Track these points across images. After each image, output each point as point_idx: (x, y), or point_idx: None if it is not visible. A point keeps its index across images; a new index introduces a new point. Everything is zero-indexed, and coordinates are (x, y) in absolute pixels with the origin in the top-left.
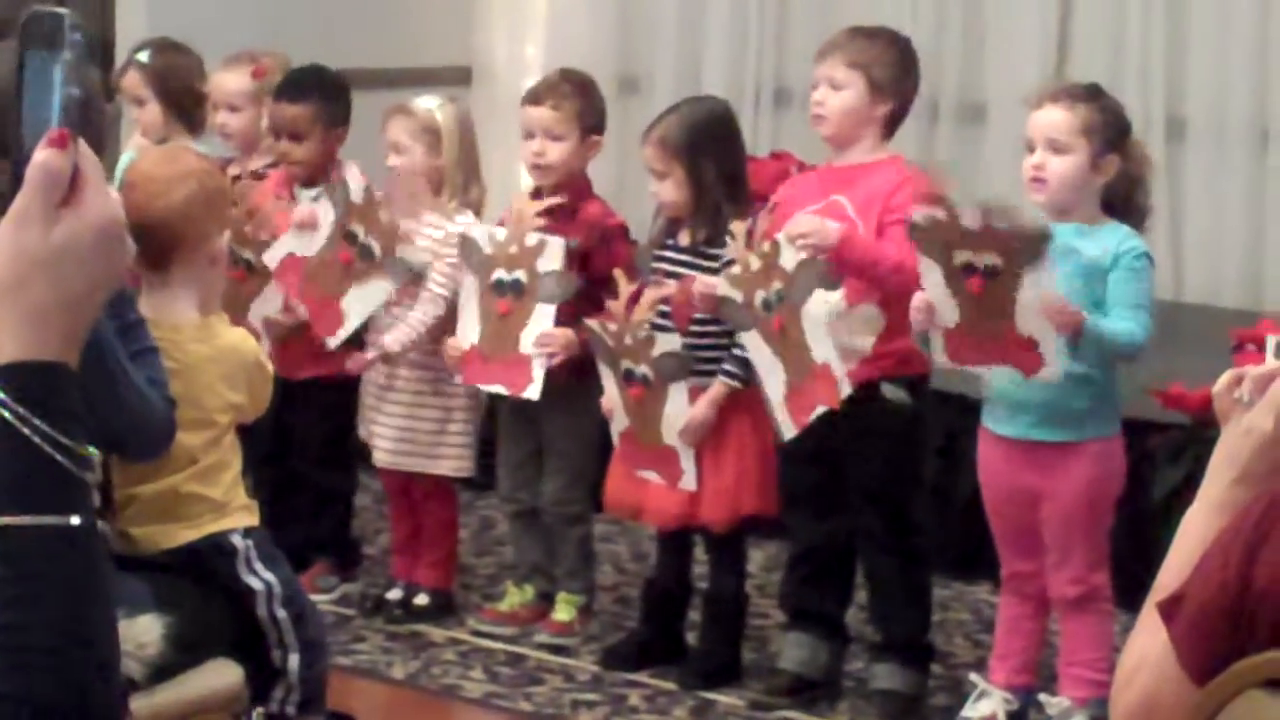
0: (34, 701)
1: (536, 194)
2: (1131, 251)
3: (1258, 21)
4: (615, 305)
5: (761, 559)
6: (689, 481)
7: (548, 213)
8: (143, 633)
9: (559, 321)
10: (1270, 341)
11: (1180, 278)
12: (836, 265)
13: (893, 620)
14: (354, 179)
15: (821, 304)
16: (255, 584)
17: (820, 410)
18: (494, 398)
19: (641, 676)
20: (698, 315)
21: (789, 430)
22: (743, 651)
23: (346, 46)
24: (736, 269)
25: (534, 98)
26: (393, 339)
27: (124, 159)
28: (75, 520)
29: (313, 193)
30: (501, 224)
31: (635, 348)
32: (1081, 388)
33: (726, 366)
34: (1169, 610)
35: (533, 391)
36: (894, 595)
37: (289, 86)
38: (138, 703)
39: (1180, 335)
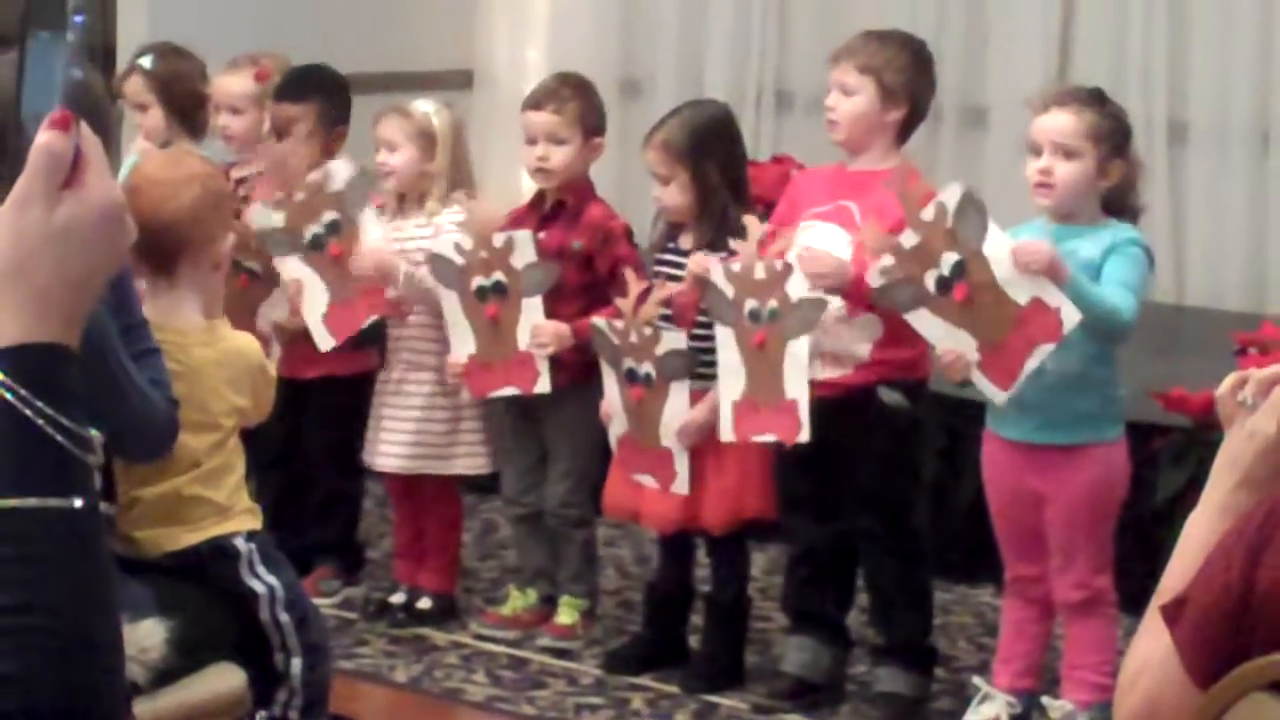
0: (36, 682)
1: (539, 200)
2: (1127, 240)
3: (1259, 24)
4: (624, 303)
5: (763, 562)
6: (681, 485)
7: (551, 216)
8: (145, 637)
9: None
10: None
11: (1182, 281)
12: (846, 300)
13: (894, 623)
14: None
15: (807, 348)
16: (258, 588)
17: (769, 439)
18: (496, 401)
19: (644, 680)
20: (700, 319)
21: (726, 434)
22: (745, 655)
23: (348, 50)
24: (738, 267)
25: (534, 103)
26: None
27: (126, 163)
28: (77, 503)
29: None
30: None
31: (640, 345)
32: (1085, 390)
33: None
34: (1172, 614)
35: (543, 385)
36: (895, 598)
37: (289, 86)
38: (140, 707)
39: (1182, 338)
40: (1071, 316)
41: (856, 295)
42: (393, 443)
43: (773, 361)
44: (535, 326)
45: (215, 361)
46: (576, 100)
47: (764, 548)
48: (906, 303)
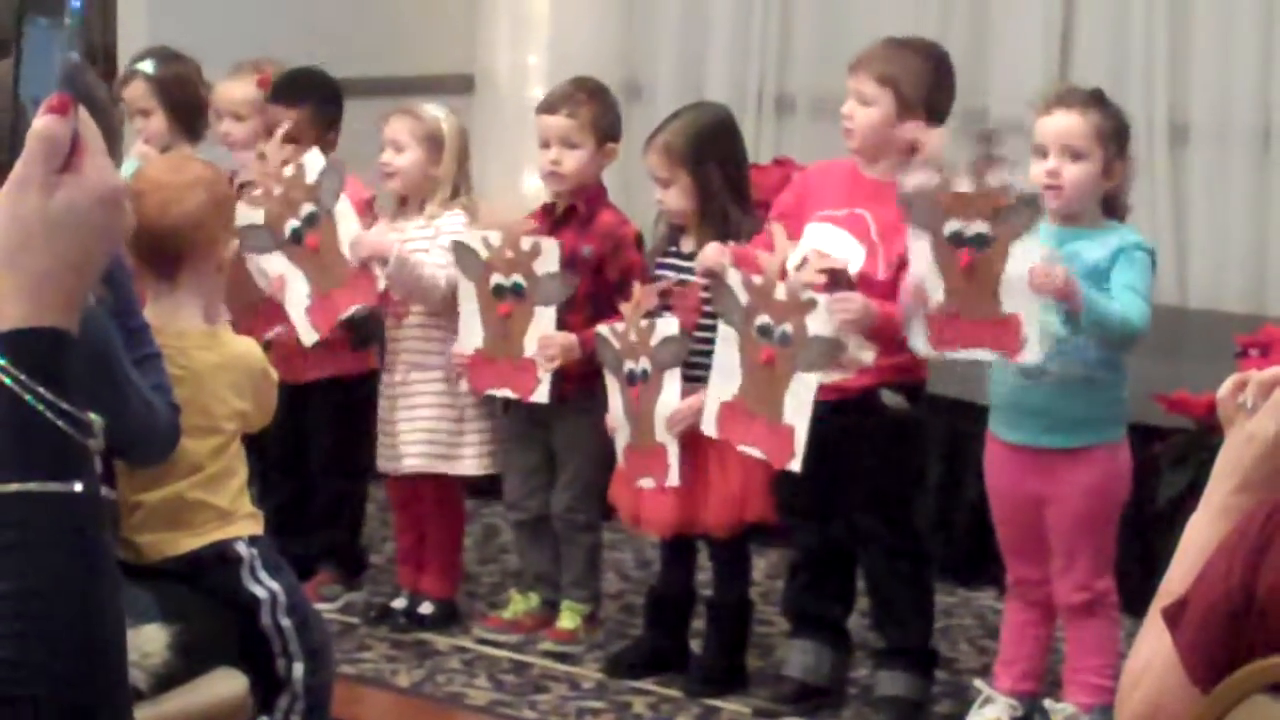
0: (37, 667)
1: (570, 211)
2: (1133, 244)
3: (1261, 25)
4: (627, 307)
5: (765, 566)
6: (674, 478)
7: (562, 221)
8: (147, 642)
9: (568, 329)
10: None
11: (1184, 283)
12: (868, 339)
13: (896, 627)
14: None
15: (816, 385)
16: (259, 592)
17: (755, 454)
18: (503, 404)
19: (646, 684)
20: (702, 320)
21: (709, 429)
22: (747, 659)
23: (349, 55)
24: (759, 280)
25: (549, 106)
26: (414, 259)
27: (127, 167)
28: (77, 487)
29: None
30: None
31: (637, 342)
32: (1089, 394)
33: None
34: (1173, 616)
35: (540, 395)
36: (896, 601)
37: (283, 90)
38: (143, 712)
39: (1184, 340)
40: (1032, 354)
41: (879, 339)
42: (406, 444)
43: (777, 382)
44: (544, 337)
45: (217, 365)
46: (591, 105)
47: (765, 552)
48: (919, 220)
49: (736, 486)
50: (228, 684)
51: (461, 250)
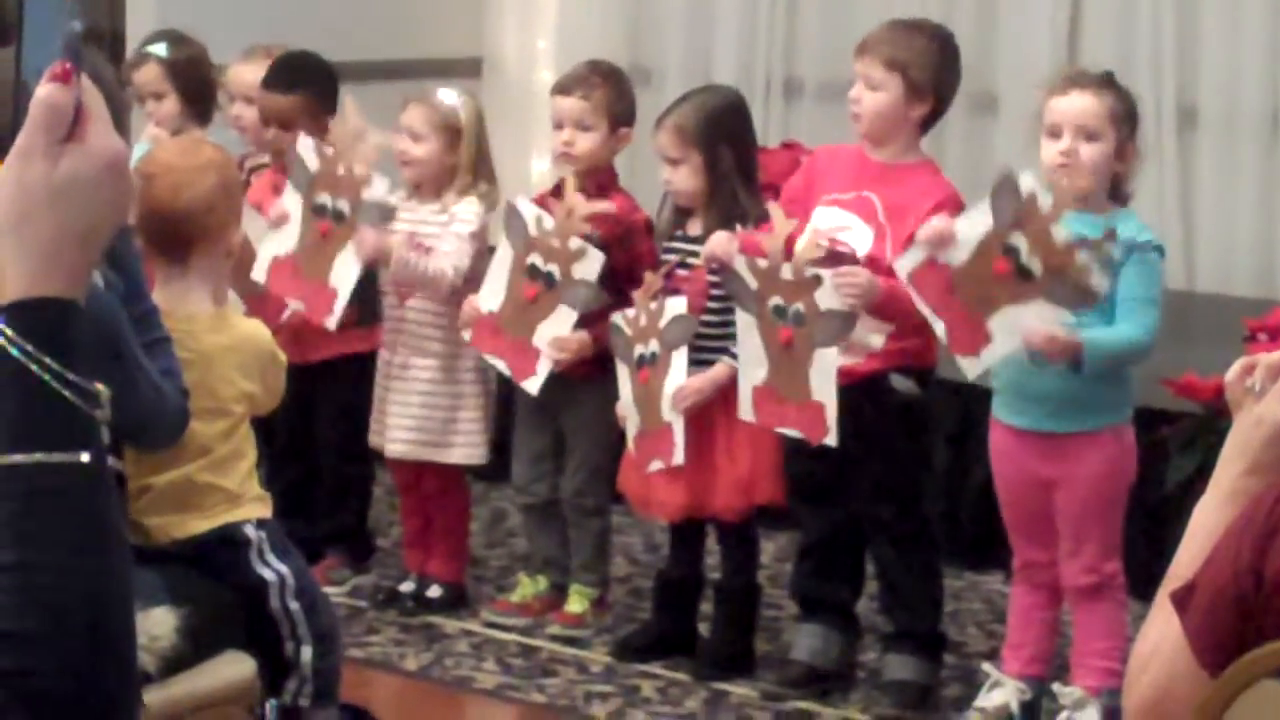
0: (46, 638)
1: (560, 186)
2: (1145, 245)
3: (1269, 8)
4: (639, 294)
5: (773, 550)
6: (679, 456)
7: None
8: (155, 625)
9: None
10: None
11: (1192, 267)
12: (873, 315)
13: (904, 611)
14: (306, 150)
15: (836, 357)
16: (268, 575)
17: (793, 434)
18: (509, 388)
19: (654, 667)
20: (710, 304)
21: (746, 414)
22: (755, 642)
23: (357, 38)
24: (764, 263)
25: (563, 88)
26: (404, 253)
27: (138, 150)
28: (84, 457)
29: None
30: (542, 204)
31: (647, 325)
32: (1097, 379)
33: (733, 349)
34: (1181, 600)
35: (532, 385)
36: (905, 586)
37: (278, 76)
38: (151, 695)
39: (1192, 324)
40: (972, 368)
41: (884, 315)
42: (397, 428)
43: (798, 361)
44: (560, 338)
45: (225, 348)
46: (605, 88)
47: (774, 535)
48: (1001, 208)
49: (745, 470)
50: (236, 667)
51: (513, 216)
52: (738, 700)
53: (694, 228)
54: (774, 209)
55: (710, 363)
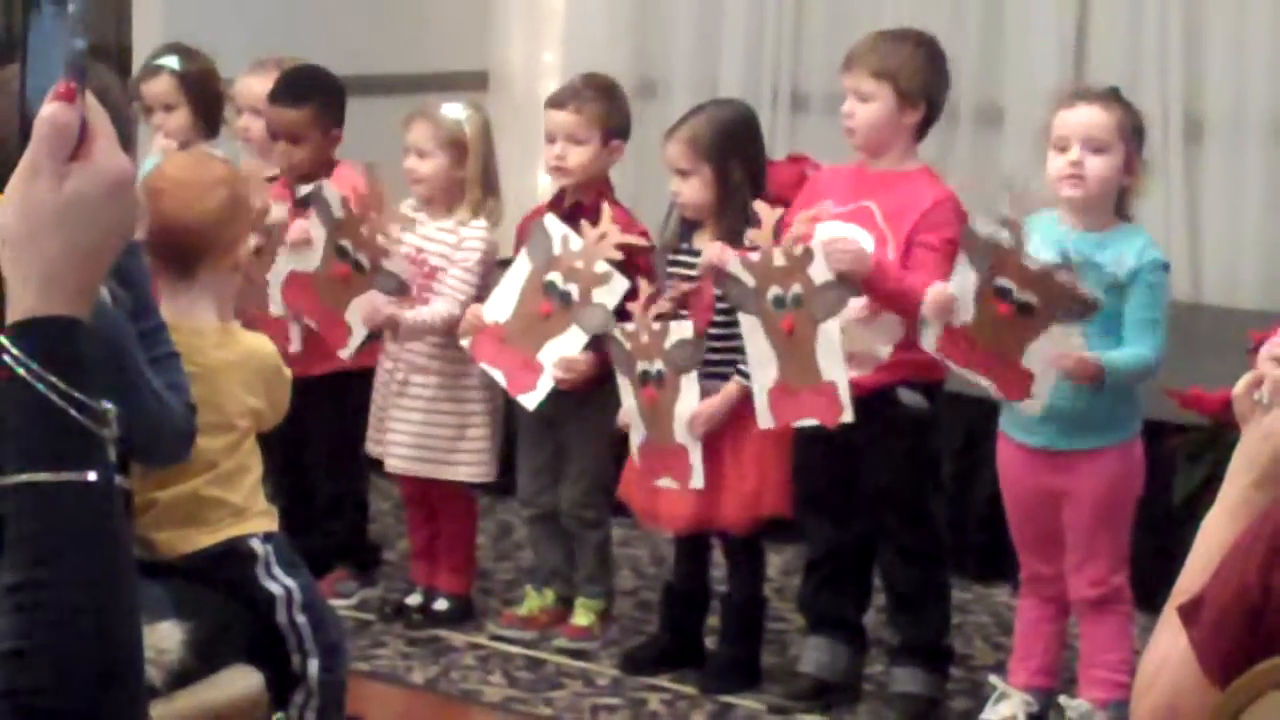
0: (55, 657)
1: (577, 206)
2: (1151, 264)
3: (1275, 19)
4: (635, 307)
5: (780, 563)
6: (698, 480)
7: (569, 216)
8: (162, 639)
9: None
10: None
11: (1198, 278)
12: (865, 291)
13: (911, 624)
14: (331, 196)
15: (838, 329)
16: (275, 589)
17: (810, 423)
18: (512, 404)
19: (661, 680)
20: (716, 318)
21: (765, 421)
22: (762, 655)
23: (363, 51)
24: (756, 256)
25: (556, 101)
26: (411, 315)
27: (148, 164)
28: (91, 476)
29: (307, 188)
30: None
31: (650, 343)
32: (1103, 396)
33: (742, 367)
34: (1189, 613)
35: (529, 401)
36: (912, 599)
37: (286, 89)
38: (158, 709)
39: (1198, 336)
40: (1037, 405)
41: (876, 289)
42: (397, 443)
43: (804, 345)
44: (569, 359)
45: (231, 363)
46: (598, 102)
47: (781, 548)
48: (976, 259)
49: (752, 483)
50: (243, 681)
51: (539, 232)
52: (744, 713)
53: (701, 241)
54: (760, 204)
55: (720, 376)
